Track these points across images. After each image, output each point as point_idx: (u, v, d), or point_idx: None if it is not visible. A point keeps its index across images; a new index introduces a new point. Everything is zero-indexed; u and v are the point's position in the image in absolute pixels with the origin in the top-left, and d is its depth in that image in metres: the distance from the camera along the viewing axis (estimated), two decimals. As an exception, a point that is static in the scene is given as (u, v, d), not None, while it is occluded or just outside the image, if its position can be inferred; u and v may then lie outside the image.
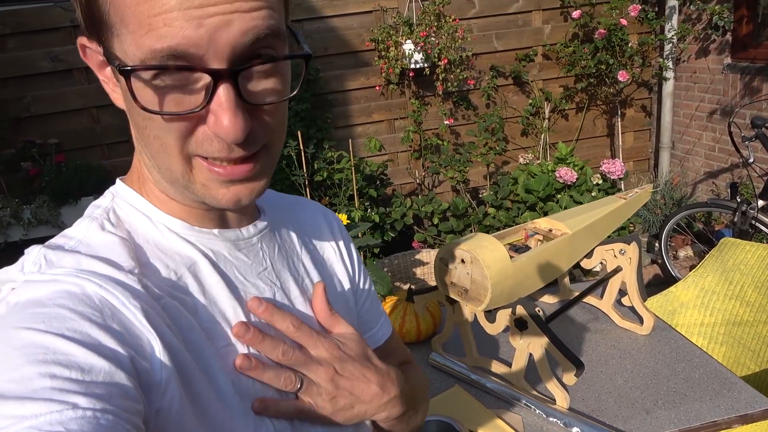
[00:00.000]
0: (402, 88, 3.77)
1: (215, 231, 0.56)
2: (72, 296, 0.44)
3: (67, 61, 3.28)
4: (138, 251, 0.51)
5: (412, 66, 3.49)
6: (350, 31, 3.62)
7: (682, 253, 3.47)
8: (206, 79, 0.44)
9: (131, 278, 0.47)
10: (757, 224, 2.57)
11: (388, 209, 3.41)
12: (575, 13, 3.66)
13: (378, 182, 3.51)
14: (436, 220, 3.49)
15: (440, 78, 3.57)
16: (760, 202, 2.53)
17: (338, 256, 0.71)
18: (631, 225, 3.61)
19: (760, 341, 1.72)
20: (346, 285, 0.71)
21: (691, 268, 3.40)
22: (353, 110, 3.78)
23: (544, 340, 1.25)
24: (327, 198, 3.16)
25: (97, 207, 0.55)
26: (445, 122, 3.75)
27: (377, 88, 3.72)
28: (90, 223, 0.52)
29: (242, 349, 0.53)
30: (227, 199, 0.50)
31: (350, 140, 3.01)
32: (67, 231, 0.53)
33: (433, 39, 3.44)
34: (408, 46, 3.43)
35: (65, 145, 3.33)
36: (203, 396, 0.48)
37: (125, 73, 0.43)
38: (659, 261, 3.36)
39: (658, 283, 3.32)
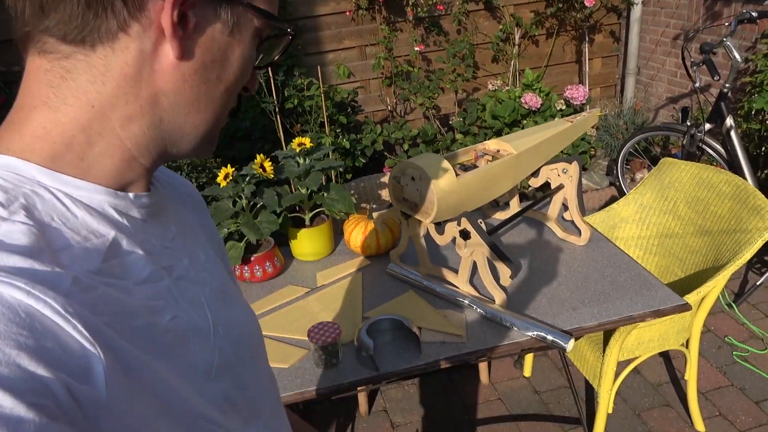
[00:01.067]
0: (372, 13, 3.76)
1: (131, 195, 0.49)
2: None
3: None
4: (48, 234, 0.41)
5: (382, -10, 3.48)
6: (319, -46, 3.56)
7: (638, 176, 3.64)
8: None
9: (58, 271, 0.38)
10: (704, 146, 2.73)
11: (358, 136, 3.50)
12: (546, -65, 3.63)
13: (349, 109, 3.58)
14: (406, 146, 3.60)
15: (410, 3, 3.57)
16: (707, 126, 2.68)
17: (209, 224, 0.70)
18: (593, 149, 3.75)
19: (687, 251, 1.91)
20: (218, 251, 0.69)
21: (647, 189, 3.59)
22: (324, 36, 3.78)
23: (485, 249, 1.41)
24: (298, 125, 3.24)
25: None
26: (416, 48, 3.78)
27: (347, 13, 3.71)
28: None
29: (183, 322, 0.49)
30: (214, 145, 0.54)
31: (319, 67, 3.05)
32: None
33: (402, -38, 3.41)
34: (377, -31, 3.40)
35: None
36: (164, 385, 0.44)
37: (263, 13, 0.49)
38: (616, 183, 3.53)
39: (614, 204, 3.50)
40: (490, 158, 1.62)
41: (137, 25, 0.43)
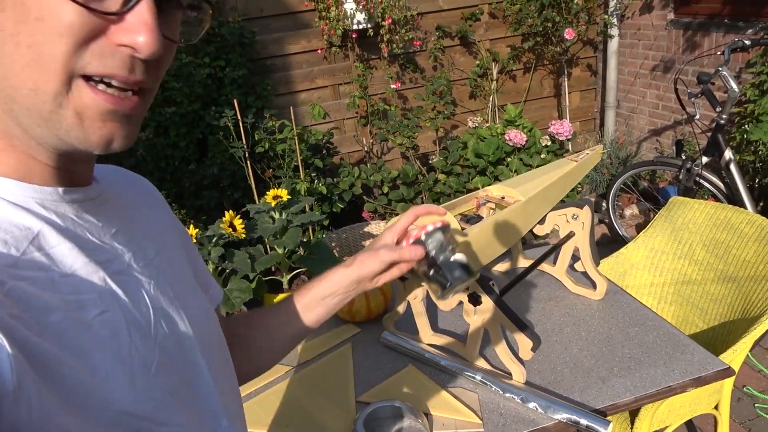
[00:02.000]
0: (345, 51, 3.61)
1: (60, 190, 0.49)
2: None
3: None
4: None
5: (355, 27, 3.33)
6: (288, -9, 3.41)
7: (628, 212, 3.51)
8: None
9: None
10: (701, 181, 2.60)
11: (335, 179, 3.29)
12: (520, -30, 3.56)
13: (324, 151, 3.38)
14: (386, 189, 3.40)
15: (385, 39, 3.43)
16: (704, 159, 2.55)
17: (169, 220, 0.69)
18: (579, 185, 3.62)
19: (708, 299, 1.72)
20: (180, 248, 0.68)
21: (637, 226, 3.46)
22: (295, 76, 3.60)
23: (499, 315, 1.19)
24: (270, 170, 3.01)
25: None
26: (392, 86, 3.63)
27: (319, 51, 3.55)
28: None
29: (118, 314, 0.48)
30: (100, 136, 0.45)
31: (291, 108, 2.85)
32: None
33: (375, -2, 3.29)
34: (349, 5, 3.26)
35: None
36: (77, 382, 0.42)
37: None
38: (606, 220, 3.39)
39: (605, 243, 3.35)
40: (494, 206, 1.42)
41: None
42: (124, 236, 0.54)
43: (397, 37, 3.45)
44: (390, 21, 3.34)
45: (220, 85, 3.21)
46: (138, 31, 0.42)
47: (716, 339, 1.66)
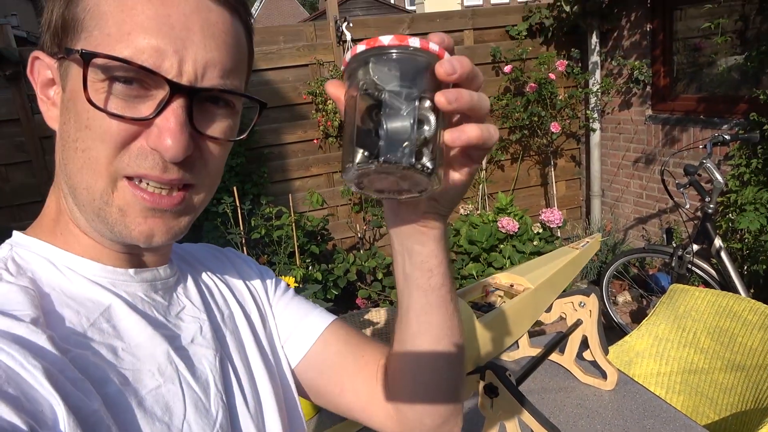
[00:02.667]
0: (340, 141, 3.72)
1: (131, 271, 0.52)
2: None
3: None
4: (43, 300, 0.46)
5: (350, 119, 3.45)
6: (286, 84, 3.56)
7: (620, 299, 3.52)
8: (162, 92, 0.45)
9: (32, 331, 0.42)
10: (693, 268, 2.64)
11: (330, 266, 3.28)
12: (506, 68, 3.78)
13: (319, 238, 3.40)
14: (380, 275, 3.40)
15: (379, 131, 3.56)
16: (695, 247, 2.61)
17: (244, 286, 0.69)
18: (572, 272, 3.65)
19: (717, 389, 1.70)
20: (256, 312, 0.67)
21: (631, 313, 3.46)
22: (291, 164, 3.69)
23: (517, 408, 1.16)
24: (265, 256, 3.00)
25: None
26: (385, 175, 3.72)
27: (315, 141, 3.66)
28: None
29: (175, 388, 0.49)
30: (140, 231, 0.48)
31: (290, 195, 2.90)
32: None
33: (370, 92, 3.44)
34: (345, 99, 3.40)
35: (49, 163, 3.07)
36: None
37: (87, 56, 0.43)
38: (600, 308, 3.39)
39: (601, 330, 3.33)
40: (502, 294, 1.42)
41: None
42: (191, 311, 0.57)
43: (390, 128, 3.58)
44: (384, 113, 3.47)
45: (218, 172, 3.27)
46: (164, 135, 0.45)
47: (730, 431, 1.62)
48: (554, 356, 1.67)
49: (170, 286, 0.56)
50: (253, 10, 34.31)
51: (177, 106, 0.45)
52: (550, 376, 1.62)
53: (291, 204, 2.66)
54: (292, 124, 3.63)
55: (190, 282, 0.60)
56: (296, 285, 1.45)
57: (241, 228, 2.56)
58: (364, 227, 3.82)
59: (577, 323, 1.55)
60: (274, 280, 0.74)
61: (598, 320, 1.54)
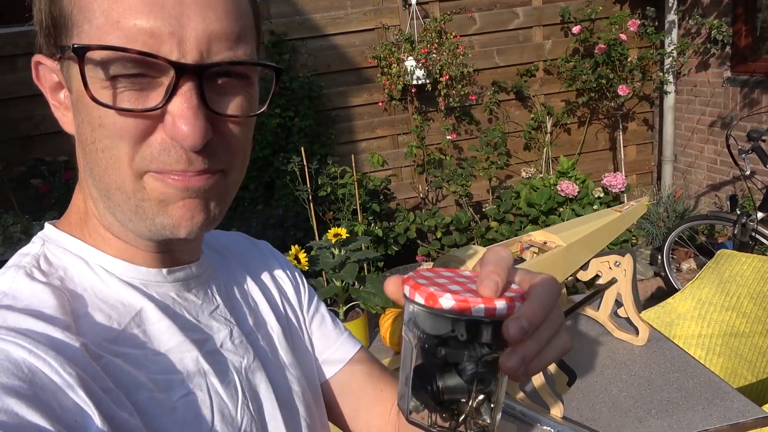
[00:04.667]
0: (404, 104, 3.83)
1: (164, 271, 0.51)
2: None
3: (77, 80, 3.36)
4: (74, 302, 0.45)
5: (414, 82, 3.55)
6: (353, 49, 3.69)
7: (685, 266, 3.47)
8: (168, 77, 0.42)
9: (67, 337, 0.41)
10: (757, 236, 2.58)
11: (391, 223, 3.45)
12: (575, 29, 3.71)
13: (381, 197, 3.56)
14: (439, 234, 3.53)
15: (442, 94, 3.63)
16: (760, 214, 2.55)
17: (277, 289, 0.67)
18: (634, 238, 3.62)
19: (756, 352, 1.73)
20: (290, 314, 0.67)
21: (695, 280, 3.41)
22: (357, 126, 3.84)
23: (537, 350, 1.28)
24: (330, 212, 3.21)
25: (24, 255, 0.48)
26: (448, 137, 3.80)
27: (380, 104, 3.78)
28: (16, 272, 0.45)
29: (203, 395, 0.48)
30: (180, 216, 0.45)
31: (353, 156, 3.06)
32: None
33: (434, 55, 3.50)
34: (410, 62, 3.49)
35: (74, 163, 3.39)
36: None
37: (80, 51, 0.40)
38: (662, 274, 3.36)
39: (661, 296, 3.32)
40: (537, 250, 1.52)
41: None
42: (224, 312, 0.55)
43: (453, 91, 3.64)
44: (447, 77, 3.54)
45: (289, 133, 3.48)
46: (178, 122, 0.41)
47: (765, 393, 1.66)
48: (591, 312, 1.75)
49: (203, 282, 0.55)
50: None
51: (186, 89, 0.41)
52: (586, 330, 1.71)
53: (353, 164, 2.83)
54: (359, 87, 3.77)
55: (222, 277, 0.59)
56: (348, 236, 1.62)
57: (308, 186, 2.75)
58: (426, 188, 3.94)
59: (612, 281, 1.62)
60: (307, 288, 0.72)
61: (632, 280, 1.60)
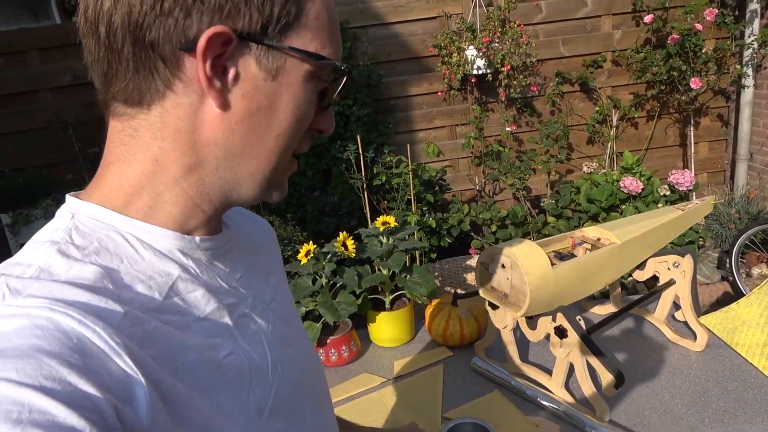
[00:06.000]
0: (464, 94, 3.78)
1: (197, 239, 0.53)
2: (46, 334, 0.38)
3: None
4: (113, 275, 0.46)
5: (475, 72, 3.49)
6: (414, 37, 3.66)
7: (755, 271, 3.27)
8: (329, 83, 0.53)
9: (112, 306, 0.43)
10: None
11: (445, 215, 3.42)
12: (647, 18, 3.54)
13: (436, 187, 3.54)
14: (494, 228, 3.47)
15: (503, 84, 3.56)
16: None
17: (279, 261, 0.73)
18: (701, 239, 3.44)
19: (829, 366, 1.61)
20: (289, 290, 0.73)
21: (767, 286, 3.20)
22: (415, 116, 3.82)
23: (583, 349, 1.24)
24: (385, 201, 3.22)
25: (55, 229, 0.48)
26: (507, 129, 3.72)
27: (439, 93, 3.75)
28: (50, 247, 0.46)
29: (241, 356, 0.52)
30: (283, 190, 0.56)
31: (408, 146, 3.05)
32: (17, 258, 0.46)
33: (496, 45, 3.43)
34: (471, 52, 3.44)
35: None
36: (202, 419, 0.45)
37: (338, 71, 0.52)
38: (730, 278, 3.19)
39: (727, 301, 3.14)
40: (590, 247, 1.47)
41: (180, 83, 0.46)
42: (247, 280, 0.59)
43: (515, 82, 3.56)
44: (509, 67, 3.46)
45: (347, 121, 3.51)
46: (328, 119, 0.55)
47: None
48: (645, 313, 1.69)
49: (227, 251, 0.57)
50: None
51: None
52: (640, 333, 1.65)
53: (408, 153, 2.82)
54: (419, 76, 3.74)
55: (241, 248, 0.62)
56: (396, 225, 1.62)
57: (363, 174, 2.77)
58: (483, 180, 3.88)
59: (670, 282, 1.55)
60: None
61: (692, 282, 1.53)
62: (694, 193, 3.51)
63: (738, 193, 3.80)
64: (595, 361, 1.22)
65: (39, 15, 5.82)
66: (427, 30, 3.65)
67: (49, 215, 3.19)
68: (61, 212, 0.50)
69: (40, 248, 0.46)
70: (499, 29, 3.47)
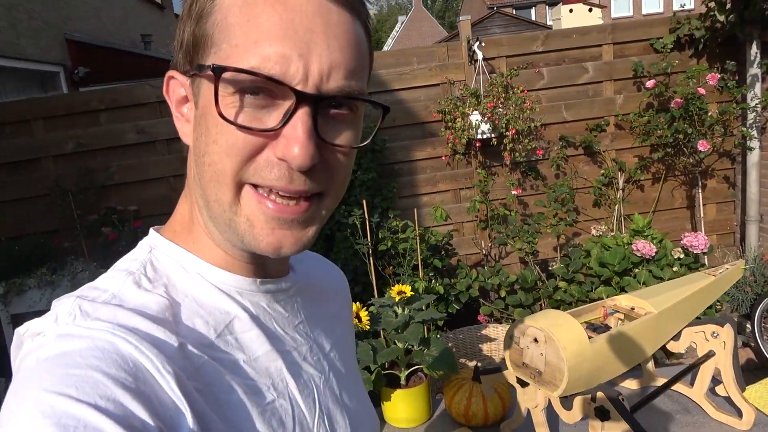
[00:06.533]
0: (468, 158, 3.76)
1: (257, 281, 0.54)
2: (105, 356, 0.41)
3: (150, 133, 3.50)
4: (176, 308, 0.49)
5: (479, 136, 3.48)
6: (417, 103, 3.68)
7: (779, 337, 3.14)
8: (288, 102, 0.45)
9: (167, 337, 0.45)
10: None
11: (452, 280, 3.32)
12: (649, 83, 3.58)
13: (443, 252, 3.45)
14: (503, 293, 3.36)
15: (508, 148, 3.54)
16: None
17: (348, 315, 0.72)
18: (719, 304, 3.32)
19: None
20: (352, 345, 0.72)
21: (792, 353, 3.06)
22: (419, 180, 3.79)
23: (628, 434, 1.12)
24: (391, 267, 3.12)
25: (134, 260, 0.52)
26: (513, 192, 3.68)
27: (443, 158, 3.73)
28: (126, 277, 0.49)
29: (287, 404, 0.51)
30: (268, 243, 0.48)
31: (415, 210, 2.99)
32: (97, 283, 0.50)
33: (500, 110, 3.44)
34: (475, 116, 3.44)
35: (144, 212, 3.50)
36: None
37: (217, 70, 0.44)
38: (752, 344, 3.05)
39: (752, 369, 3.00)
40: (622, 317, 1.37)
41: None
42: (306, 328, 0.58)
43: (520, 146, 3.55)
44: (514, 131, 3.46)
45: (351, 186, 3.46)
46: (291, 144, 0.45)
47: None
48: (684, 389, 1.56)
49: (291, 296, 0.57)
50: (393, 32, 35.50)
51: (303, 113, 0.45)
52: (678, 410, 1.52)
53: (416, 218, 2.75)
54: (422, 141, 3.74)
55: (306, 294, 0.61)
56: (412, 294, 1.52)
57: (369, 239, 2.69)
58: (489, 244, 3.80)
59: (709, 354, 1.44)
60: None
61: (734, 353, 1.42)
62: (707, 256, 3.42)
63: (751, 255, 3.72)
64: (643, 448, 1.09)
65: (47, 86, 5.93)
66: (430, 96, 3.68)
67: (43, 284, 3.08)
68: (142, 244, 0.55)
69: (117, 276, 0.50)
70: (503, 95, 3.50)
